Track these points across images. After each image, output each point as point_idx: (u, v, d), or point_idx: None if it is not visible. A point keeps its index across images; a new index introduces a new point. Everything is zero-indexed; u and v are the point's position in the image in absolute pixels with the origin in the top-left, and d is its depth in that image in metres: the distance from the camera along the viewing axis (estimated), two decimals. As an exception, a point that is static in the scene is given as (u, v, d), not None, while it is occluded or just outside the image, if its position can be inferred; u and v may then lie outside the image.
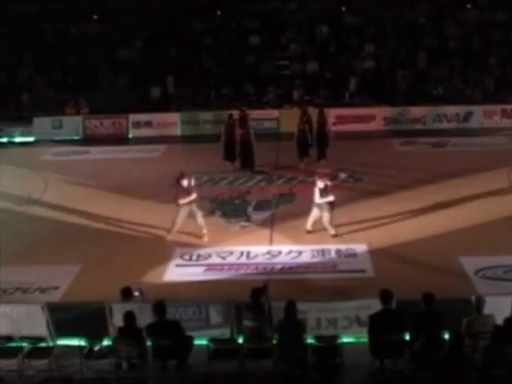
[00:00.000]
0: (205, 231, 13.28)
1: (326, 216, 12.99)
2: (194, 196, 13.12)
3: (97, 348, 9.12)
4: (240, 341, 9.09)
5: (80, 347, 8.97)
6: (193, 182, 13.32)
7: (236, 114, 18.71)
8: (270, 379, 8.58)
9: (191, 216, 13.18)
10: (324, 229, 13.16)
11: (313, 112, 18.75)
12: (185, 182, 13.11)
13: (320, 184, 12.96)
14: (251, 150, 17.77)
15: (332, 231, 13.11)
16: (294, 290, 10.86)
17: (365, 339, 8.99)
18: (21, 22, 24.93)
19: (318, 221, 13.16)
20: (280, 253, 12.60)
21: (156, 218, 14.09)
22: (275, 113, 22.75)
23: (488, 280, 11.22)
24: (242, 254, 12.62)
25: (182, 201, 13.02)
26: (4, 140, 22.64)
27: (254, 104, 22.96)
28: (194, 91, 24.26)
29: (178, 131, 22.87)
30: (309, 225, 13.28)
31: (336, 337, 8.97)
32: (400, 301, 9.04)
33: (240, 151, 17.83)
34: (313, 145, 17.97)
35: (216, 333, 9.48)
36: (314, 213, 13.11)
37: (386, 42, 25.92)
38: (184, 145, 21.74)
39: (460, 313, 8.87)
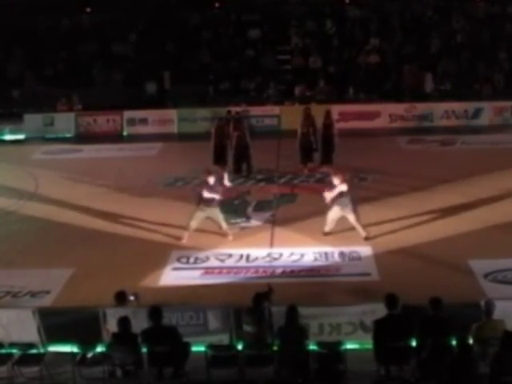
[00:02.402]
0: (230, 237, 12.99)
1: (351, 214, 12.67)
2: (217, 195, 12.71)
3: (90, 355, 9.00)
4: (239, 347, 8.97)
5: (72, 354, 8.85)
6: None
7: (234, 111, 18.32)
8: (270, 387, 8.52)
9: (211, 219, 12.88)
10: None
11: (315, 108, 18.29)
12: (211, 180, 12.66)
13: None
14: (247, 153, 17.06)
15: (363, 232, 12.80)
16: (296, 295, 10.66)
17: (369, 345, 8.88)
18: (10, 14, 24.57)
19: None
20: (281, 255, 12.40)
21: (152, 218, 13.95)
22: (276, 109, 22.55)
23: (498, 284, 11.06)
24: (241, 256, 12.43)
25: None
26: (-7, 138, 22.53)
27: (253, 100, 22.81)
28: (191, 87, 23.99)
29: (174, 128, 22.69)
30: (329, 226, 12.88)
31: (339, 343, 8.84)
32: (406, 305, 8.90)
33: (234, 155, 17.09)
34: (317, 149, 17.21)
35: (214, 339, 9.36)
36: (335, 212, 12.67)
37: (391, 35, 25.70)
38: (181, 143, 21.54)
39: (469, 318, 8.75)
